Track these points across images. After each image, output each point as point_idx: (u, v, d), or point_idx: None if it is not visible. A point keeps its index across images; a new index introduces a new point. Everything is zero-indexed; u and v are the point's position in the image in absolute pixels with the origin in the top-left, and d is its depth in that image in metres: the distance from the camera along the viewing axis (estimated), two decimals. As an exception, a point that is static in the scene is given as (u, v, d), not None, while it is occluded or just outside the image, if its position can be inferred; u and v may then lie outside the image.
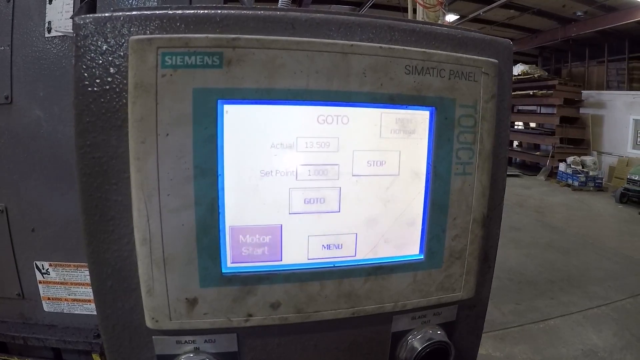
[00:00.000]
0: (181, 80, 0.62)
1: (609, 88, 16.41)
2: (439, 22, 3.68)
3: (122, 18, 0.62)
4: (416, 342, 0.73)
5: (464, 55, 0.72)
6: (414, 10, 3.92)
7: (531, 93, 16.24)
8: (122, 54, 0.63)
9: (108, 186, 0.66)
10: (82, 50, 0.62)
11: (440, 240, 0.74)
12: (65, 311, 1.37)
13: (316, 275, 0.68)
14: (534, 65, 17.72)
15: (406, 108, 0.70)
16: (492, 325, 4.96)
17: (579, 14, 12.61)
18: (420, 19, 3.74)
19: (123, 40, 0.63)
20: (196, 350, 0.70)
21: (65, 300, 1.36)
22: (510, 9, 12.28)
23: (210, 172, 0.64)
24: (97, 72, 0.63)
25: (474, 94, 0.72)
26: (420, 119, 0.71)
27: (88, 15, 0.62)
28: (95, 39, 0.62)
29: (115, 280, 0.68)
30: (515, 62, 17.56)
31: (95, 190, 0.66)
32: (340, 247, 0.68)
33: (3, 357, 1.42)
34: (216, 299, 0.66)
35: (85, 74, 0.62)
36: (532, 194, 12.87)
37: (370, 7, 12.68)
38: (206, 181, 0.64)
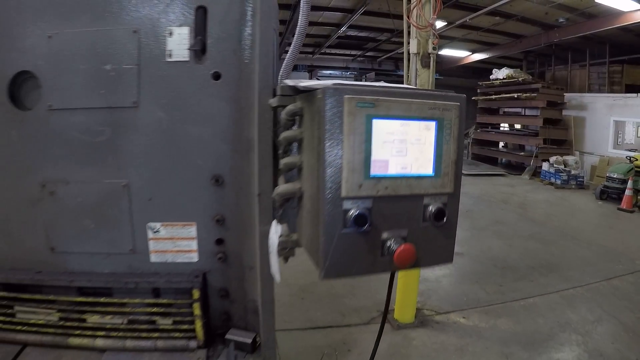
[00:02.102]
0: (361, 112, 1.21)
1: (590, 91, 17.04)
2: (430, 40, 4.12)
3: (340, 90, 1.22)
4: (432, 207, 1.34)
5: (447, 102, 1.33)
6: (409, 33, 4.34)
7: (515, 96, 16.81)
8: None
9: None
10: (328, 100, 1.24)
11: (439, 168, 1.33)
12: (169, 261, 1.86)
13: (399, 178, 1.29)
14: (519, 69, 18.30)
15: (428, 121, 1.27)
16: (478, 302, 5.49)
17: (561, 20, 13.16)
18: (414, 38, 4.17)
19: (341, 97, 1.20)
20: (357, 207, 1.25)
21: (170, 252, 1.84)
22: (496, 16, 12.81)
23: (368, 143, 1.23)
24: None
25: (450, 116, 1.33)
26: (432, 125, 1.28)
27: (331, 87, 1.24)
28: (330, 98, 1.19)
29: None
30: (501, 66, 18.16)
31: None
32: (407, 168, 1.29)
33: (106, 300, 1.89)
34: (367, 185, 1.24)
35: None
36: (516, 192, 13.42)
37: (362, 14, 13.15)
38: (367, 146, 1.24)
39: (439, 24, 13.35)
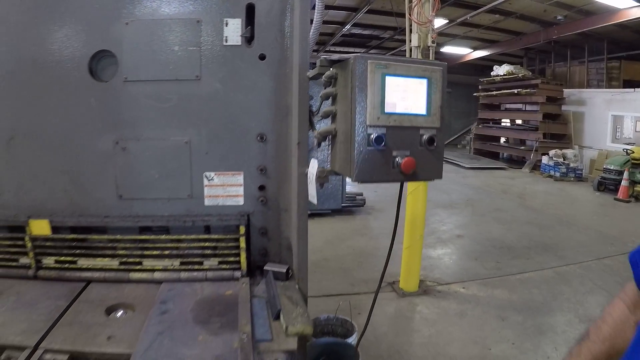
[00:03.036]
0: (378, 71, 1.61)
1: (589, 86, 17.37)
2: (429, 34, 4.54)
3: (365, 56, 1.62)
4: (425, 136, 1.76)
5: (434, 67, 1.76)
6: (410, 29, 4.76)
7: (516, 92, 17.17)
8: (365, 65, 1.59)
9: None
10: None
11: (430, 109, 1.76)
12: (219, 204, 2.29)
13: (403, 115, 1.73)
14: (519, 66, 18.63)
15: (422, 78, 1.72)
16: (477, 276, 5.90)
17: (560, 17, 13.47)
18: (415, 33, 4.59)
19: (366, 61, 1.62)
20: (376, 132, 1.70)
21: (221, 196, 2.28)
22: (496, 13, 13.13)
23: (383, 90, 1.66)
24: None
25: (436, 76, 1.77)
26: (424, 81, 1.73)
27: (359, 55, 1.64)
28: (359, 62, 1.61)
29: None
30: (501, 63, 18.49)
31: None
32: (408, 108, 1.73)
33: (166, 237, 2.33)
34: (382, 118, 1.70)
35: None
36: (516, 184, 13.79)
37: (365, 13, 13.50)
38: (382, 93, 1.67)
39: (441, 21, 13.72)
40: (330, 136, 1.88)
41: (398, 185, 2.11)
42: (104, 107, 2.27)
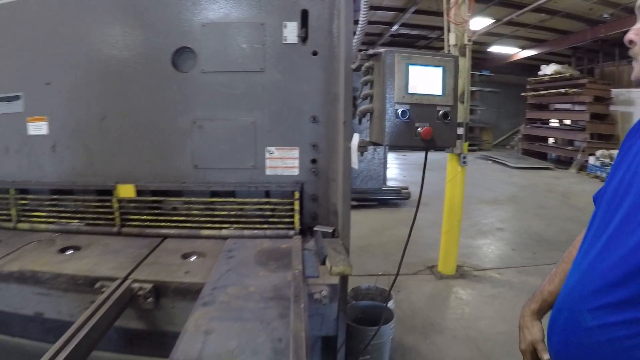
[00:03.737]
0: (403, 61, 2.04)
1: (638, 86, 17.10)
2: (465, 34, 4.91)
3: (393, 50, 2.04)
4: (441, 111, 2.17)
5: (447, 58, 2.15)
6: (449, 29, 5.15)
7: (563, 91, 17.12)
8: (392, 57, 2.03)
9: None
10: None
11: (444, 91, 2.14)
12: (278, 174, 2.78)
13: (423, 95, 2.14)
14: (567, 65, 18.50)
15: (438, 67, 2.13)
16: (513, 264, 6.23)
17: (605, 16, 13.38)
18: (453, 32, 4.97)
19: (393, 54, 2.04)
20: (402, 107, 2.10)
21: (279, 167, 2.76)
22: (541, 12, 13.18)
23: (407, 76, 2.04)
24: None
25: (449, 65, 2.14)
26: (440, 69, 2.13)
27: (388, 50, 2.07)
28: (389, 55, 2.06)
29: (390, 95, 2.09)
30: (549, 62, 18.41)
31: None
32: (427, 90, 2.15)
33: (233, 200, 2.83)
34: (407, 97, 2.09)
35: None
36: (561, 183, 13.81)
37: (412, 13, 13.80)
38: (406, 77, 2.06)
39: (487, 21, 13.89)
40: (369, 114, 2.32)
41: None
42: (184, 93, 2.80)
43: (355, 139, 2.38)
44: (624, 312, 1.12)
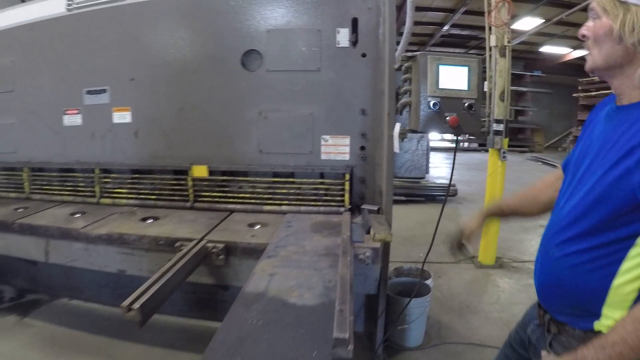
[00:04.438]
0: (434, 62, 2.52)
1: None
2: (505, 35, 5.25)
3: (426, 53, 2.53)
4: (467, 103, 2.69)
5: (472, 59, 2.63)
6: (490, 29, 5.50)
7: (615, 92, 16.90)
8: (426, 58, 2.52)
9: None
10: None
11: (470, 86, 2.63)
12: (331, 159, 3.28)
13: (451, 89, 2.68)
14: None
15: (464, 66, 2.60)
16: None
17: (658, 13, 13.21)
18: (493, 35, 5.31)
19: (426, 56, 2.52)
20: (434, 99, 2.64)
21: (333, 153, 3.26)
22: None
23: (437, 74, 2.52)
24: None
25: (474, 65, 2.62)
26: (465, 68, 2.60)
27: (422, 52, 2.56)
28: (422, 57, 2.53)
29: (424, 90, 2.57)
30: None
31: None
32: (455, 85, 2.66)
33: (292, 180, 3.34)
34: (438, 91, 2.66)
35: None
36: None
37: (462, 14, 13.97)
38: (437, 75, 2.53)
39: (537, 21, 13.99)
40: (407, 106, 2.79)
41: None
42: (251, 88, 3.35)
43: (397, 127, 2.85)
44: (579, 243, 1.50)
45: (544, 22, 14.15)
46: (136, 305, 1.97)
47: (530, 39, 16.79)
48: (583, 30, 1.47)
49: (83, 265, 3.26)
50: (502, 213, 2.15)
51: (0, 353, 3.75)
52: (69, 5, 3.82)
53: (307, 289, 1.96)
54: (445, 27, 15.97)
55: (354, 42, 3.16)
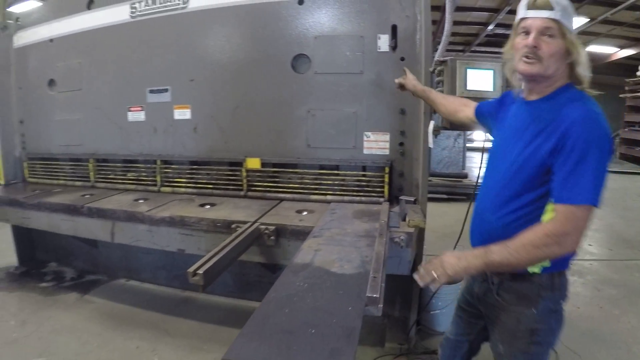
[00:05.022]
0: (463, 66, 2.91)
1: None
2: None
3: (455, 58, 2.95)
4: None
5: (497, 63, 3.01)
6: None
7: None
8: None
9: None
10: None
11: (494, 86, 3.03)
12: (373, 153, 3.66)
13: (478, 90, 2.89)
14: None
15: (490, 70, 3.01)
16: (587, 256, 6.72)
17: None
18: None
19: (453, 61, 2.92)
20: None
21: (374, 148, 3.64)
22: (636, 10, 12.99)
23: (466, 77, 2.96)
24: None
25: (498, 67, 3.04)
26: (491, 72, 2.98)
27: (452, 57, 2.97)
28: (452, 61, 2.96)
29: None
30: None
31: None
32: (481, 87, 3.07)
33: (336, 172, 3.74)
34: (466, 92, 2.88)
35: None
36: (655, 189, 13.61)
37: (507, 13, 14.00)
38: (465, 77, 2.97)
39: (582, 20, 13.85)
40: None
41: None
42: (300, 89, 3.78)
43: (431, 125, 3.21)
44: (508, 206, 1.97)
45: (589, 21, 14.05)
46: (200, 271, 2.35)
47: (574, 39, 16.54)
48: (541, 44, 1.83)
49: (146, 245, 3.74)
50: (426, 97, 2.95)
51: (64, 325, 4.25)
52: (132, 13, 4.33)
53: (347, 261, 2.32)
54: (490, 27, 15.90)
55: (394, 47, 3.51)
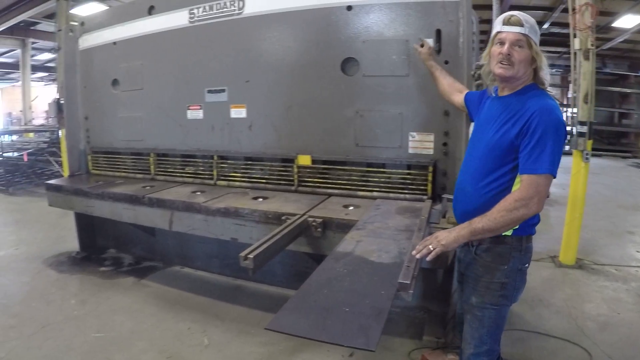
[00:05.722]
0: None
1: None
2: (589, 39, 5.51)
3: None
4: None
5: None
6: (574, 35, 5.70)
7: None
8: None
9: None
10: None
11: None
12: (417, 152, 3.88)
13: None
14: None
15: None
16: (633, 264, 6.68)
17: None
18: (577, 38, 5.58)
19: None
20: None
21: (419, 147, 3.86)
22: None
23: None
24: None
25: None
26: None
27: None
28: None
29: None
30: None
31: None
32: None
33: (383, 170, 3.99)
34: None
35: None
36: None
37: (561, 12, 13.73)
38: None
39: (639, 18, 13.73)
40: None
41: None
42: (350, 90, 4.05)
43: (472, 126, 3.42)
44: (484, 179, 2.42)
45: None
46: (251, 255, 2.66)
47: (634, 37, 16.13)
48: (514, 53, 2.32)
49: (202, 234, 4.11)
50: (431, 73, 3.42)
51: (121, 306, 4.65)
52: (191, 18, 4.71)
53: (385, 252, 2.55)
54: (545, 26, 15.65)
55: (438, 51, 3.69)
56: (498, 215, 2.22)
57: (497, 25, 2.40)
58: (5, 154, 12.10)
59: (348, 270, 2.31)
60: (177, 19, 4.82)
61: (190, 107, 4.88)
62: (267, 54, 4.38)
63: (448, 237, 2.31)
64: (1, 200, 10.33)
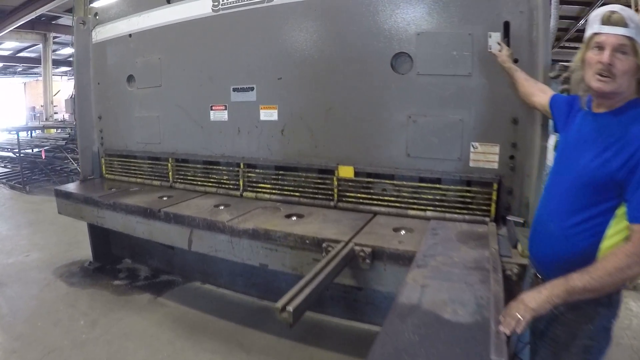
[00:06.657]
0: None
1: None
2: None
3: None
4: None
5: None
6: None
7: None
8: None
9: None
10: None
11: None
12: (479, 166, 3.36)
13: None
14: None
15: None
16: None
17: None
18: None
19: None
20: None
21: (481, 160, 3.35)
22: None
23: None
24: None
25: None
26: None
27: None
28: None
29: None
30: None
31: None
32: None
33: (438, 186, 3.48)
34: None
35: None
36: None
37: (599, 5, 13.23)
38: None
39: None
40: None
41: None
42: (401, 91, 3.54)
43: (552, 139, 2.89)
44: (572, 218, 2.02)
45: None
46: (290, 308, 2.14)
47: None
48: (615, 62, 1.88)
49: (225, 257, 3.65)
50: (510, 75, 3.01)
51: (134, 329, 4.25)
52: (214, 6, 4.22)
53: (460, 304, 2.09)
54: (582, 22, 15.22)
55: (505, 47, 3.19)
56: (604, 274, 1.81)
57: (594, 25, 1.96)
58: (24, 151, 11.89)
59: (420, 335, 1.82)
60: (199, 7, 4.34)
61: (214, 107, 4.40)
62: (303, 47, 3.86)
63: (538, 299, 1.88)
64: (17, 200, 10.17)
